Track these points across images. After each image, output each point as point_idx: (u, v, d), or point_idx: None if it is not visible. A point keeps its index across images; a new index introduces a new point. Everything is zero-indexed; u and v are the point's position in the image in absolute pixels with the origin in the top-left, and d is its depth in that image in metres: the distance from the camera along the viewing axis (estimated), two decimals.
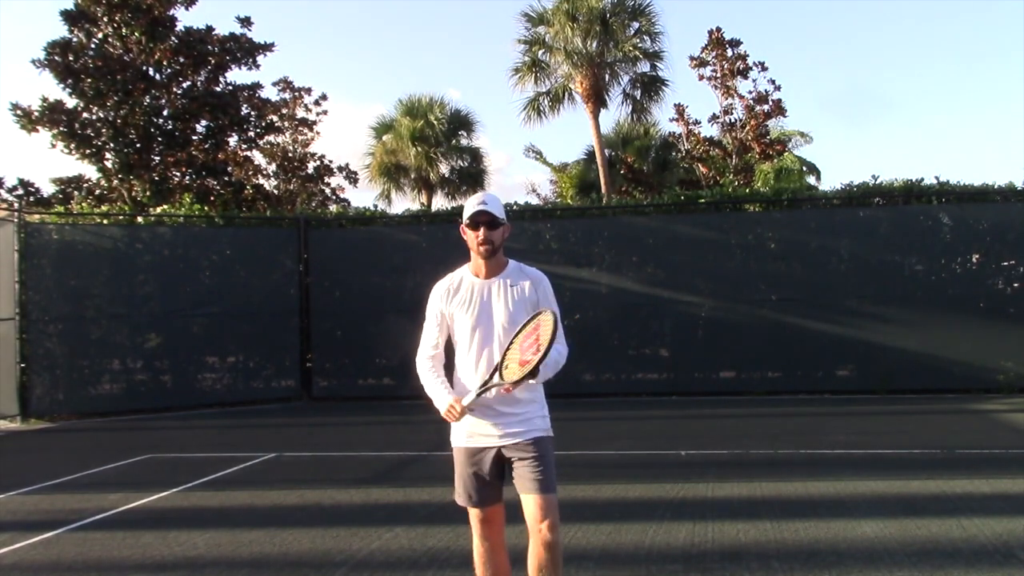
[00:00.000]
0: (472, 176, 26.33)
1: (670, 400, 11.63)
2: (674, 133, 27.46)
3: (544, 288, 3.30)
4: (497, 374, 3.10)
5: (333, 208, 24.90)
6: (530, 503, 3.14)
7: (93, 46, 19.01)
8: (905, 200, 11.95)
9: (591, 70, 20.93)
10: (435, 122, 24.89)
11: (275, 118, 25.08)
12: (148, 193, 18.72)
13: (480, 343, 3.23)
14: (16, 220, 11.54)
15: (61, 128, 18.67)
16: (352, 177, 27.69)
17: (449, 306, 3.29)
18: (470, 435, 3.24)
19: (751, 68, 25.33)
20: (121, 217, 13.94)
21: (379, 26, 66.63)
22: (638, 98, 22.04)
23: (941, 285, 11.57)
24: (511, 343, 3.12)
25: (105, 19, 18.97)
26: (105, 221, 13.35)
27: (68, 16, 18.88)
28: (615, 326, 12.15)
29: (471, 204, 3.21)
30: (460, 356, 3.30)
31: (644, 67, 21.66)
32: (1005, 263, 11.49)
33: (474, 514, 3.29)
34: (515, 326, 3.17)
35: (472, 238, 3.22)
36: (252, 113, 21.25)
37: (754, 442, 8.13)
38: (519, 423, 3.20)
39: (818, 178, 26.14)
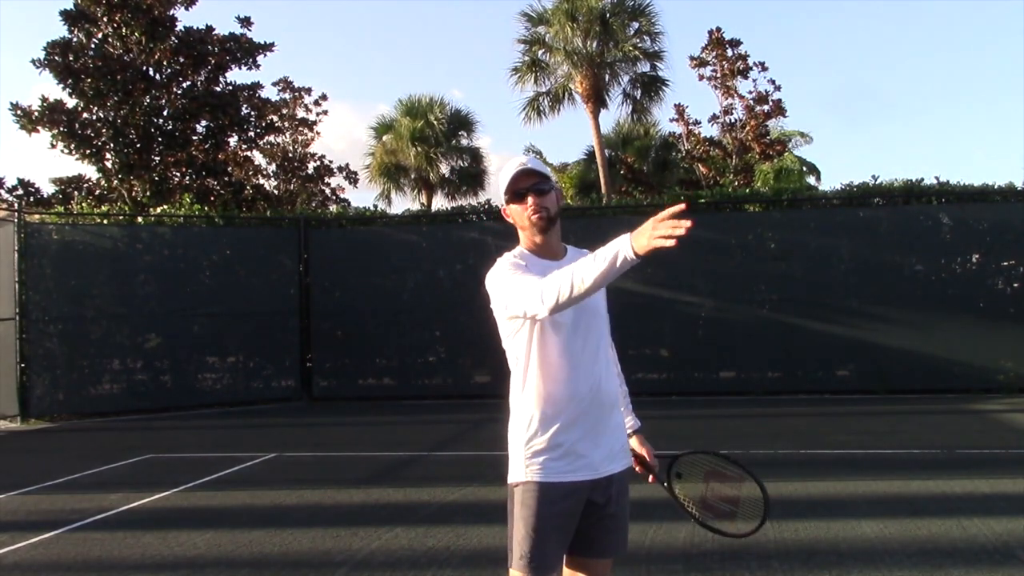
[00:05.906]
0: (472, 176, 26.32)
1: (670, 400, 11.62)
2: (674, 133, 27.52)
3: None
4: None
5: (333, 208, 24.92)
6: (596, 567, 2.41)
7: (93, 46, 19.00)
8: (905, 200, 11.95)
9: (591, 70, 20.92)
10: (435, 122, 24.90)
11: (275, 118, 25.10)
12: (148, 193, 18.73)
13: (583, 343, 2.37)
14: (16, 220, 11.54)
15: (61, 128, 18.66)
16: (352, 177, 27.78)
17: None
18: (571, 461, 2.25)
19: (751, 68, 25.36)
20: (121, 217, 13.96)
21: (379, 26, 66.69)
22: (638, 98, 22.04)
23: (941, 285, 11.58)
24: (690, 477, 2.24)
25: (105, 19, 18.95)
26: (105, 221, 13.36)
27: (68, 16, 18.88)
28: (615, 326, 11.84)
29: (509, 169, 2.39)
30: (544, 364, 2.33)
31: (644, 67, 21.69)
32: (1005, 263, 11.50)
33: None
34: (605, 321, 2.47)
35: (520, 211, 2.39)
36: (252, 113, 21.25)
37: (754, 442, 8.12)
38: (620, 439, 2.33)
39: (818, 178, 26.22)
